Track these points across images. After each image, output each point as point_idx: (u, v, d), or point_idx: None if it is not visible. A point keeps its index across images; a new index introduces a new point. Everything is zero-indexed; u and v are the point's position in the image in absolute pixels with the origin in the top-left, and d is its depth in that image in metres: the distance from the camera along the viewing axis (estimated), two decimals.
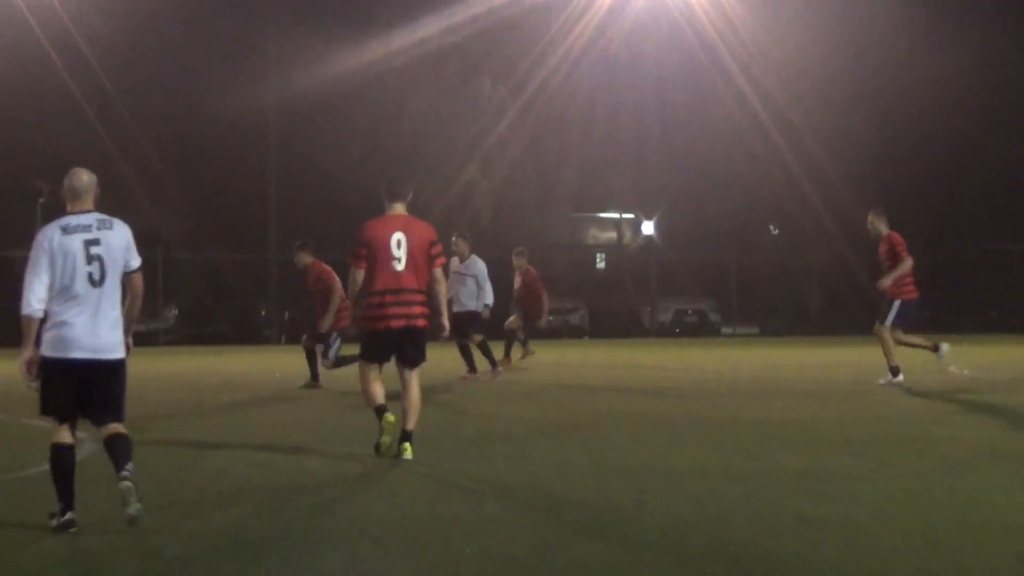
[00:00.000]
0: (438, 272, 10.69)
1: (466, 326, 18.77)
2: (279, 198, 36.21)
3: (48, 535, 7.47)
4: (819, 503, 8.21)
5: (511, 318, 21.97)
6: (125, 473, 7.54)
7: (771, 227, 47.40)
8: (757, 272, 41.90)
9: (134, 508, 7.48)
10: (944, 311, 39.84)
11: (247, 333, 34.70)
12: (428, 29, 36.06)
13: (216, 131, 34.24)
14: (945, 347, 17.07)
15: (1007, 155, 40.64)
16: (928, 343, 17.15)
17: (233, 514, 8.08)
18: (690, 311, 40.08)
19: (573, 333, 37.86)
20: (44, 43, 32.09)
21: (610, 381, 19.09)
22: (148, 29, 33.85)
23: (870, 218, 17.26)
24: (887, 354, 16.85)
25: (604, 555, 6.90)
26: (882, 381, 16.80)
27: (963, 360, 21.47)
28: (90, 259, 7.73)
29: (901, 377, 16.77)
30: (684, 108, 38.79)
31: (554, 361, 22.27)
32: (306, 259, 17.50)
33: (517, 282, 22.12)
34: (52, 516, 7.61)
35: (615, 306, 40.24)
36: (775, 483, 9.03)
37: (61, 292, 7.69)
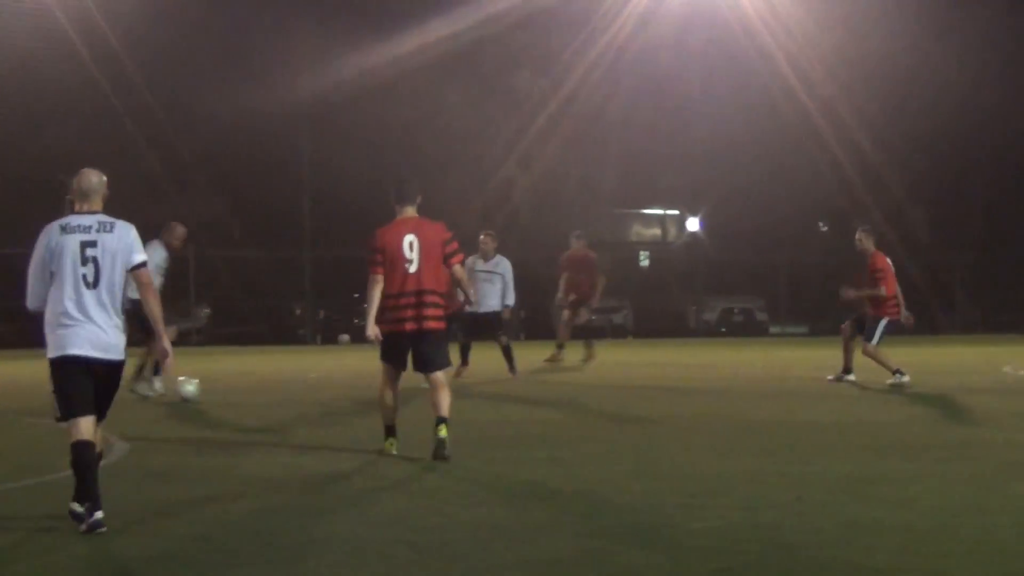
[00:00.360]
0: (457, 269, 10.88)
1: (492, 328, 18.67)
2: (313, 195, 36.13)
3: (72, 540, 7.33)
4: (873, 508, 8.03)
5: (579, 314, 21.87)
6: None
7: (820, 223, 46.99)
8: (806, 270, 41.52)
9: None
10: (1003, 310, 39.42)
11: (281, 333, 34.66)
12: (465, 20, 35.76)
13: (248, 127, 34.14)
14: (906, 379, 16.69)
15: None
16: (893, 364, 16.83)
17: (266, 519, 7.95)
18: (737, 310, 39.77)
19: (617, 333, 37.58)
20: (73, 36, 32.07)
21: (655, 382, 18.90)
22: (179, 23, 33.84)
23: (859, 235, 17.58)
24: (885, 366, 16.75)
25: (650, 562, 6.74)
26: (890, 381, 16.57)
27: (1020, 360, 21.20)
28: (85, 260, 7.76)
29: (908, 377, 16.53)
30: (730, 101, 38.41)
31: (598, 361, 22.06)
32: None
33: (564, 263, 22.12)
34: (80, 520, 7.49)
35: (660, 305, 39.97)
36: (827, 488, 8.85)
37: (56, 292, 7.76)
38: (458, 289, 12.36)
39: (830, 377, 17.75)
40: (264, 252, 36.86)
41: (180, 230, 16.13)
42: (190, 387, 15.29)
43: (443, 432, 10.25)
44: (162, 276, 15.51)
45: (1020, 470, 9.57)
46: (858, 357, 17.34)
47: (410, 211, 10.72)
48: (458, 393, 16.15)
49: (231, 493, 8.88)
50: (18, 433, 12.86)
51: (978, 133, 39.26)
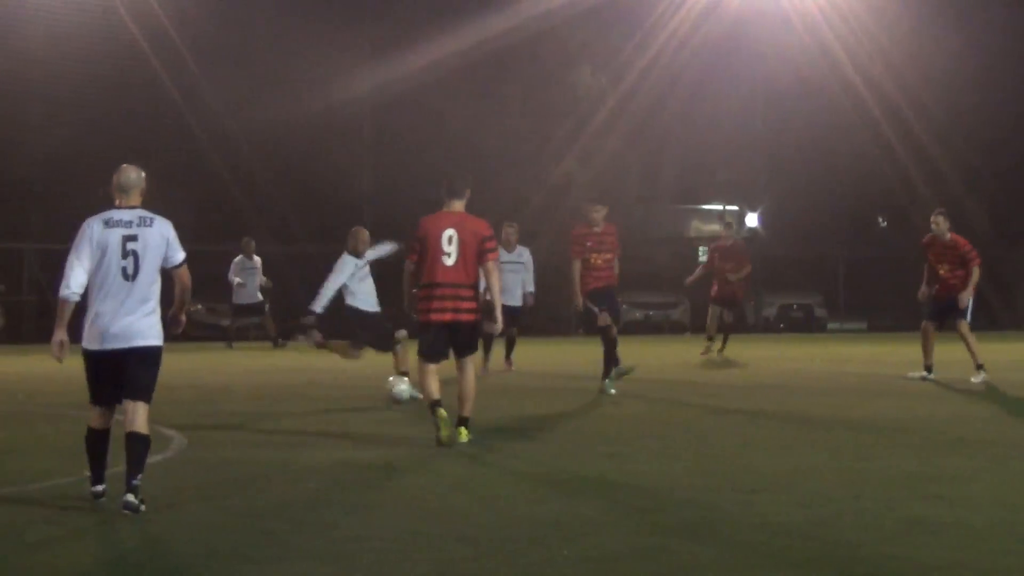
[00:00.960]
0: (489, 266, 11.08)
1: (515, 319, 18.92)
2: (372, 192, 36.21)
3: (124, 533, 7.48)
4: (931, 505, 8.01)
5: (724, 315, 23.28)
6: (130, 498, 7.82)
7: (879, 219, 46.59)
8: (864, 265, 41.17)
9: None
10: None
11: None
12: (524, 15, 35.68)
13: (309, 122, 34.24)
14: (987, 376, 16.54)
15: None
16: (980, 357, 16.69)
17: (320, 512, 8.00)
18: (795, 306, 39.49)
19: (675, 328, 37.44)
20: (136, 35, 32.19)
21: (714, 378, 18.85)
22: (242, 22, 33.98)
23: (935, 218, 17.56)
24: (972, 352, 16.64)
25: (708, 558, 6.74)
26: (975, 380, 16.43)
27: None
28: (125, 254, 8.13)
29: (988, 376, 16.43)
30: (789, 96, 38.17)
31: (656, 357, 22.05)
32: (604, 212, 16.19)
33: (712, 250, 23.23)
34: (99, 497, 8.17)
35: None
36: (885, 485, 8.82)
37: (96, 283, 8.13)
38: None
39: (911, 374, 17.46)
40: (325, 248, 36.90)
41: (364, 234, 16.08)
42: (403, 386, 14.30)
43: (463, 437, 10.91)
44: (369, 276, 15.66)
45: None
46: (938, 354, 17.23)
47: (457, 205, 11.12)
48: (514, 389, 16.26)
49: (285, 486, 8.96)
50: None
51: None
